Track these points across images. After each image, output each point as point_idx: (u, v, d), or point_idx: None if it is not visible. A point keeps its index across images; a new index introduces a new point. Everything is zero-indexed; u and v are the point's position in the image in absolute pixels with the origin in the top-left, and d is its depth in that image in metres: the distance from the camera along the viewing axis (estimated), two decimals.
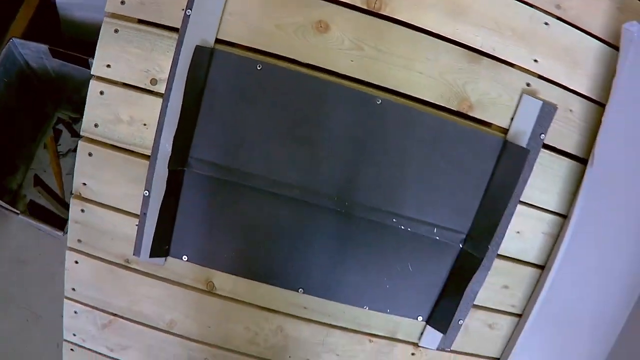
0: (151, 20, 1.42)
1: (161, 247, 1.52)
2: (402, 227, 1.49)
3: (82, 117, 1.50)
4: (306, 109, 1.43)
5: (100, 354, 1.68)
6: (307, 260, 1.54)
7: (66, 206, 2.13)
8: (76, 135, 2.53)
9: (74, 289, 1.61)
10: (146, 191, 1.48)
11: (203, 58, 1.40)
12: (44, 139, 2.54)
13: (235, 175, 1.46)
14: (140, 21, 1.43)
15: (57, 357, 1.79)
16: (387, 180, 1.47)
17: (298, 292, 1.55)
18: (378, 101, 1.41)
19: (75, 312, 1.63)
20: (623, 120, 1.48)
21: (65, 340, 1.70)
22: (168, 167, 1.42)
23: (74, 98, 2.41)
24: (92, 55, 1.48)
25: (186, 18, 1.39)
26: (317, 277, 1.55)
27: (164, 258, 1.54)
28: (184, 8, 1.39)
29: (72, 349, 1.70)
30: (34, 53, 2.16)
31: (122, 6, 1.41)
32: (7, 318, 2.44)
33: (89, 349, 1.68)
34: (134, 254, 1.53)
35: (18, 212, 2.06)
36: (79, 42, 2.25)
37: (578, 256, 1.56)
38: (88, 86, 1.48)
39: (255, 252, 1.54)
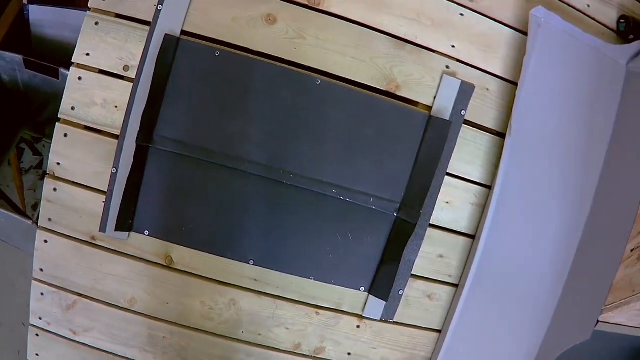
0: (127, 15, 1.70)
1: (125, 221, 1.71)
2: (342, 198, 1.70)
3: (44, 137, 1.75)
4: (257, 89, 1.67)
5: (64, 337, 1.82)
6: (255, 232, 1.72)
7: (27, 219, 2.33)
8: (38, 153, 2.74)
9: (42, 270, 1.78)
10: (114, 168, 1.69)
11: (170, 46, 1.66)
12: (8, 156, 2.74)
13: (194, 151, 1.67)
14: (118, 15, 1.70)
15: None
16: (326, 154, 1.69)
17: (249, 263, 1.73)
18: (317, 82, 1.67)
19: (42, 294, 1.79)
20: (535, 95, 1.73)
21: (32, 325, 1.84)
22: (136, 142, 1.64)
23: (39, 117, 2.60)
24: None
25: (157, 12, 1.67)
26: (266, 248, 1.73)
27: (127, 233, 1.72)
28: (156, 4, 1.67)
29: (37, 334, 1.84)
30: (7, 64, 2.33)
31: (103, 2, 1.69)
32: None
33: (53, 333, 1.82)
34: (99, 230, 1.71)
35: None
36: (48, 59, 2.37)
37: (506, 224, 1.75)
38: (54, 102, 1.75)
39: (210, 225, 1.73)
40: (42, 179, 1.88)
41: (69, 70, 1.71)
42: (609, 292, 1.84)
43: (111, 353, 1.82)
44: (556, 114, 1.77)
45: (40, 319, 1.82)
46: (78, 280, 1.77)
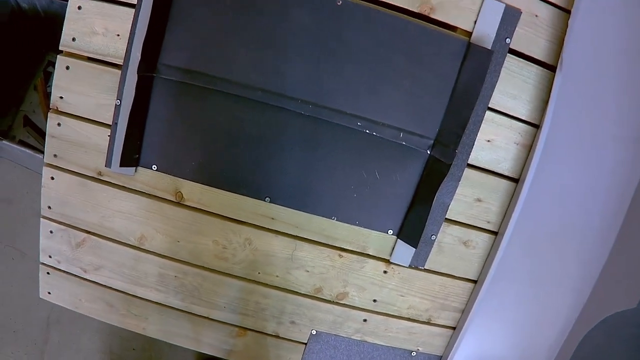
0: None
1: (131, 156, 1.85)
2: (367, 132, 1.77)
3: None
4: (268, 10, 1.74)
5: (75, 275, 2.02)
6: (272, 167, 1.83)
7: (40, 153, 2.54)
8: None
9: (49, 207, 1.96)
10: (118, 100, 1.81)
11: None
12: (34, 81, 2.96)
13: (202, 79, 1.77)
14: None
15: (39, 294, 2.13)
16: (350, 83, 1.75)
17: (265, 200, 1.85)
18: (338, 2, 1.71)
19: (51, 232, 1.98)
20: (589, 26, 1.73)
21: (42, 264, 2.05)
22: (137, 72, 1.74)
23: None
24: None
25: None
26: (283, 184, 1.85)
27: (133, 168, 1.86)
28: None
29: (48, 272, 2.05)
30: None
31: None
32: None
33: (64, 271, 2.03)
34: (105, 165, 1.86)
35: (2, 138, 2.47)
36: None
37: (554, 168, 1.81)
38: None
39: (222, 159, 1.84)
40: None
41: None
42: None
43: (122, 291, 2.02)
44: (612, 47, 1.77)
45: (50, 257, 2.02)
46: (86, 217, 1.95)
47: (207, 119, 1.82)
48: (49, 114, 1.89)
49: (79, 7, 1.82)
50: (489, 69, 1.73)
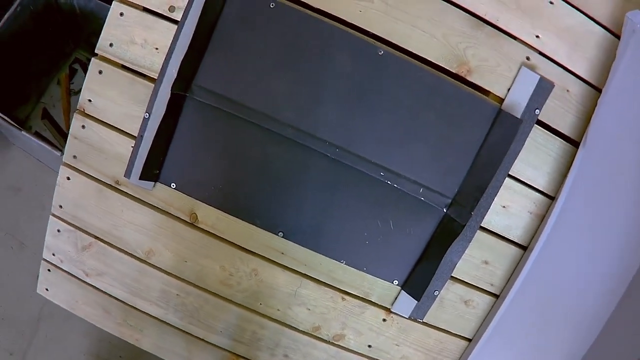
0: None
1: (152, 171, 1.87)
2: (389, 182, 1.81)
3: None
4: (311, 51, 1.78)
5: (76, 277, 2.04)
6: (290, 203, 1.86)
7: (57, 150, 2.55)
8: None
9: (61, 206, 1.97)
10: (147, 113, 1.83)
11: None
12: (59, 75, 2.98)
13: (235, 107, 1.80)
14: None
15: (36, 287, 2.14)
16: (379, 132, 1.79)
17: (277, 235, 1.88)
18: (380, 52, 1.75)
19: (58, 231, 1.99)
20: (618, 108, 1.77)
21: (44, 260, 2.06)
22: (171, 90, 1.76)
23: (93, 40, 2.84)
24: None
25: None
26: (299, 222, 1.88)
27: (152, 183, 1.89)
28: None
29: (49, 269, 2.06)
30: None
31: None
32: None
33: (65, 271, 2.04)
34: (124, 176, 1.88)
35: (20, 128, 2.47)
36: None
37: (563, 241, 1.84)
38: None
39: (242, 188, 1.87)
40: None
41: None
42: None
43: (121, 301, 2.03)
44: (637, 131, 1.81)
45: (53, 255, 2.04)
46: (97, 222, 1.96)
47: (233, 147, 1.85)
48: (75, 115, 1.91)
49: (121, 14, 1.85)
50: (516, 137, 1.76)
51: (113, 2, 1.86)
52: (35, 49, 2.79)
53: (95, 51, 1.88)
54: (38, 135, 2.87)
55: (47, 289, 2.10)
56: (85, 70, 2.99)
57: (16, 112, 2.84)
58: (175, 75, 1.77)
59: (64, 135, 2.89)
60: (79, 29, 2.84)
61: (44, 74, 2.97)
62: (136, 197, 1.93)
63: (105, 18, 1.87)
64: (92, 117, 1.90)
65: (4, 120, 2.48)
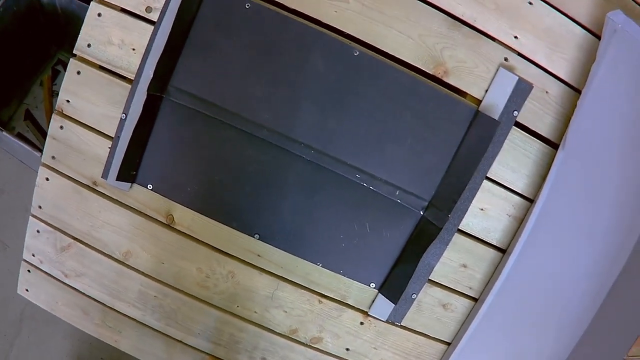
0: None
1: (129, 172, 1.86)
2: (365, 185, 1.80)
3: None
4: (286, 52, 1.77)
5: (55, 278, 2.04)
6: (267, 205, 1.85)
7: (38, 151, 2.56)
8: None
9: (40, 207, 1.98)
10: (124, 114, 1.83)
11: None
12: (42, 77, 2.99)
13: (211, 109, 1.80)
14: None
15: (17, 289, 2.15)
16: (355, 134, 1.78)
17: (254, 237, 1.87)
18: (355, 53, 1.74)
19: (38, 232, 2.00)
20: (598, 109, 1.76)
21: (24, 260, 2.07)
22: (147, 91, 1.76)
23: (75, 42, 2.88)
24: None
25: None
26: (275, 224, 1.87)
27: (129, 184, 1.88)
28: None
29: (29, 270, 2.07)
30: None
31: None
32: None
33: (45, 272, 2.05)
34: (102, 176, 1.88)
35: (3, 129, 2.48)
36: None
37: (542, 244, 1.83)
38: None
39: (218, 189, 1.86)
40: None
41: None
42: (635, 343, 1.93)
43: (99, 302, 2.03)
44: (617, 135, 1.80)
45: (33, 255, 2.04)
46: (75, 223, 1.97)
47: (209, 149, 1.84)
48: (53, 116, 1.91)
49: (99, 14, 1.84)
50: (493, 139, 1.75)
51: (91, 3, 1.85)
52: (18, 50, 2.80)
53: (74, 52, 1.88)
54: (20, 136, 2.89)
55: (27, 290, 2.11)
56: None
57: None
58: (151, 76, 1.77)
59: (46, 137, 2.90)
60: (62, 30, 2.85)
61: (27, 76, 2.98)
62: (113, 198, 1.93)
63: None
64: (71, 117, 1.90)
65: None
